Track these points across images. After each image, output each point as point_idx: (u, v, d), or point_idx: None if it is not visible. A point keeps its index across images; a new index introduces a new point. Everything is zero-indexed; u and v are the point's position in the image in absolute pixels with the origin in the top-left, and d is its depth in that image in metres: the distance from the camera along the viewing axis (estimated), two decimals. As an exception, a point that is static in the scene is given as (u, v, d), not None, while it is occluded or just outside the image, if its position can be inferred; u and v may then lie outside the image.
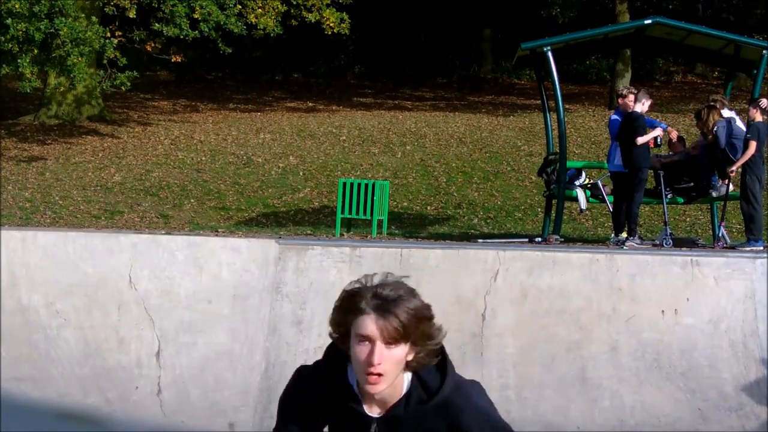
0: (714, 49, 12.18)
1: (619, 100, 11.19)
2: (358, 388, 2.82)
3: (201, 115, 25.65)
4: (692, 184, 11.50)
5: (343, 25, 21.97)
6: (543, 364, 8.47)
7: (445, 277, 8.80)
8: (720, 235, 11.37)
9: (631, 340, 8.56)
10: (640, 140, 10.65)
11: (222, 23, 19.30)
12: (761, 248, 10.42)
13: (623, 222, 11.13)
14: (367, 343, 2.71)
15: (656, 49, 16.50)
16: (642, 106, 10.92)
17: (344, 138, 21.70)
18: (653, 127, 10.98)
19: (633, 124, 10.78)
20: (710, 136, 10.96)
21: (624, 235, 11.07)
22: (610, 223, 12.29)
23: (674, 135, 11.41)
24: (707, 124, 11.00)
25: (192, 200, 16.76)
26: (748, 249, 10.31)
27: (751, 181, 10.62)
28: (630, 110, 10.95)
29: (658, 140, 10.94)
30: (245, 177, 18.35)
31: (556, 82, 11.26)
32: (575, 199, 11.74)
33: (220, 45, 20.34)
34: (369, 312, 2.72)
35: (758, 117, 10.72)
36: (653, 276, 8.79)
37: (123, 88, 18.66)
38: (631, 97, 11.05)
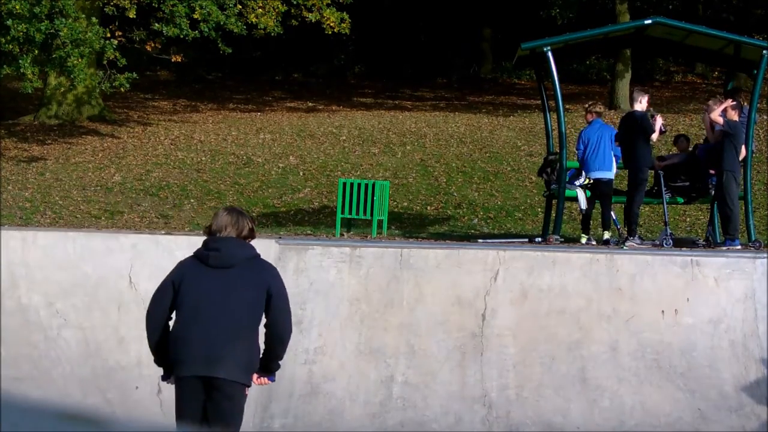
0: (714, 49, 12.17)
1: (592, 116, 11.32)
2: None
3: (201, 115, 25.64)
4: (688, 183, 11.53)
5: (344, 25, 21.95)
6: (543, 364, 8.47)
7: (445, 277, 8.80)
8: (708, 234, 11.45)
9: (631, 340, 8.56)
10: (655, 136, 10.79)
11: (222, 23, 19.29)
12: (738, 247, 10.44)
13: (606, 222, 11.28)
14: None
15: (656, 49, 16.48)
16: (641, 105, 10.98)
17: (344, 138, 21.69)
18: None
19: (643, 123, 10.80)
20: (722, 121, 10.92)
21: (584, 238, 11.20)
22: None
23: (660, 121, 11.30)
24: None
25: (192, 200, 16.76)
26: (725, 248, 10.35)
27: (727, 179, 10.64)
28: (632, 111, 11.09)
29: (663, 128, 11.06)
30: (245, 177, 18.35)
31: (556, 82, 11.25)
32: (575, 199, 11.74)
33: (220, 45, 20.33)
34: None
35: (735, 117, 10.77)
36: (653, 276, 8.80)
37: (122, 89, 18.64)
38: (599, 106, 11.74)
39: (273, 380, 5.62)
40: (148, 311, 5.31)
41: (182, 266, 5.35)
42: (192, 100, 28.47)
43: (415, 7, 32.21)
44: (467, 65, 33.28)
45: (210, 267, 5.23)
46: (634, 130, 10.86)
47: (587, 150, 11.11)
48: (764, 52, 10.90)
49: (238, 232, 5.37)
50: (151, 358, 5.52)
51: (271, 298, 5.25)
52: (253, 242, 5.40)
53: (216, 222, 5.41)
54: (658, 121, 10.93)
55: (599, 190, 11.23)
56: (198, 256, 5.33)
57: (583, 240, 11.42)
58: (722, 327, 8.62)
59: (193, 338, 5.12)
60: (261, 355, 5.32)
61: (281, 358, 5.43)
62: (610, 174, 11.16)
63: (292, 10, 21.96)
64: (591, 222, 11.77)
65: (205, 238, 5.41)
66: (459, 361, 8.46)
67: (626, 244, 10.64)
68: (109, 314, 8.58)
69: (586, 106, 11.73)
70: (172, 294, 5.22)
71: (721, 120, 10.70)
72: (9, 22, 15.80)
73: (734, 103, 10.86)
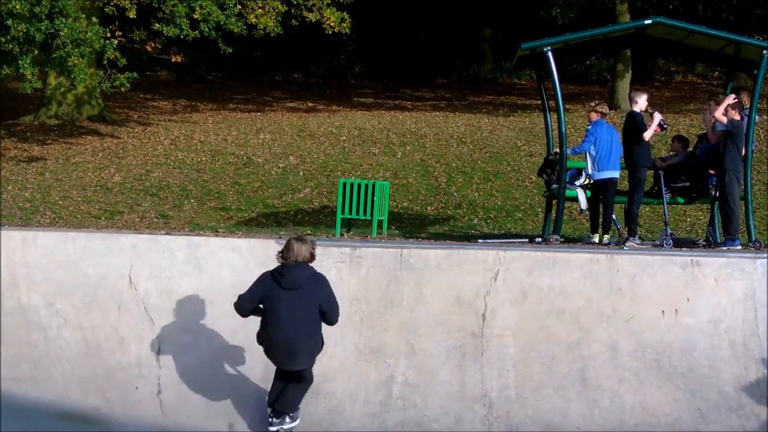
0: (714, 49, 12.16)
1: (597, 115, 11.25)
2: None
3: (201, 115, 25.64)
4: (688, 184, 11.54)
5: (344, 25, 21.94)
6: (543, 364, 8.47)
7: (445, 277, 8.80)
8: (708, 234, 11.45)
9: (631, 340, 8.56)
10: (647, 134, 10.77)
11: (222, 23, 19.27)
12: (738, 247, 10.44)
13: (607, 223, 11.22)
14: None
15: (656, 49, 16.47)
16: (638, 105, 11.00)
17: (344, 138, 21.70)
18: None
19: (634, 122, 10.86)
20: (725, 119, 10.82)
21: (596, 237, 11.12)
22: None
23: (658, 117, 11.22)
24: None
25: (192, 200, 16.75)
26: (725, 248, 10.34)
27: (729, 179, 10.64)
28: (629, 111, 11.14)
29: (663, 124, 10.99)
30: (245, 177, 18.35)
31: (556, 82, 11.24)
32: (575, 199, 11.74)
33: (220, 45, 20.32)
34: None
35: (736, 116, 10.77)
36: (653, 276, 8.79)
37: (123, 89, 18.64)
38: (605, 107, 11.47)
39: None
40: (237, 308, 7.66)
41: (263, 283, 7.62)
42: (192, 100, 28.48)
43: (415, 7, 32.21)
44: (467, 65, 33.29)
45: (283, 288, 7.50)
46: (631, 131, 10.92)
47: (599, 151, 11.04)
48: (764, 52, 10.88)
49: (302, 258, 7.58)
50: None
51: (323, 305, 7.54)
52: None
53: (285, 251, 7.62)
54: (656, 118, 10.91)
55: (606, 190, 11.15)
56: (274, 277, 7.57)
57: (596, 239, 11.33)
58: (722, 327, 8.62)
59: (277, 343, 7.54)
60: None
61: (333, 324, 7.75)
62: (617, 174, 11.16)
63: (292, 10, 21.95)
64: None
65: (279, 263, 7.65)
66: (459, 361, 8.46)
67: (626, 244, 10.64)
68: (109, 314, 8.58)
69: (593, 104, 11.60)
70: (257, 302, 7.62)
71: (725, 119, 10.70)
72: (9, 22, 15.79)
73: (735, 101, 10.84)
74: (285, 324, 7.46)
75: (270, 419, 7.79)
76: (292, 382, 7.72)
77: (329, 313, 7.60)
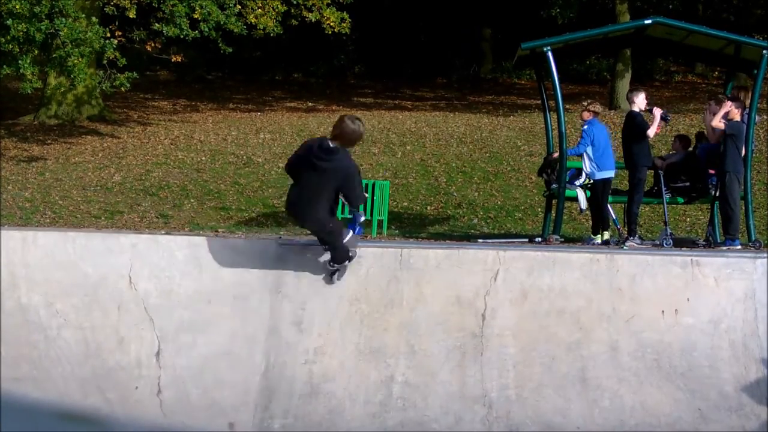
0: (714, 49, 12.17)
1: (590, 114, 11.22)
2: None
3: (201, 115, 25.64)
4: (688, 183, 11.54)
5: (344, 25, 21.94)
6: (543, 364, 8.47)
7: (445, 277, 8.80)
8: (708, 234, 11.45)
9: (631, 340, 8.56)
10: (651, 131, 10.81)
11: (222, 23, 19.28)
12: (738, 247, 10.44)
13: (605, 221, 11.21)
14: None
15: (656, 49, 16.47)
16: (636, 105, 11.01)
17: (344, 138, 21.67)
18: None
19: (635, 122, 10.87)
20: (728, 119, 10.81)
21: (599, 238, 11.10)
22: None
23: (658, 112, 11.22)
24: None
25: (192, 200, 16.75)
26: (725, 248, 10.35)
27: (729, 181, 10.65)
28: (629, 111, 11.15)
29: (666, 116, 11.01)
30: (245, 177, 18.35)
31: (556, 82, 11.25)
32: (575, 199, 11.74)
33: (220, 45, 20.31)
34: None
35: (737, 116, 10.76)
36: (653, 276, 8.79)
37: (122, 89, 18.64)
38: (598, 106, 11.48)
39: (353, 230, 8.63)
40: (287, 167, 8.75)
41: (303, 151, 8.39)
42: (192, 100, 28.48)
43: (415, 7, 32.21)
44: (467, 65, 33.29)
45: (309, 167, 8.20)
46: (632, 131, 10.93)
47: (597, 150, 11.03)
48: (764, 52, 10.88)
49: (347, 138, 8.25)
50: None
51: (341, 187, 8.21)
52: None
53: (335, 127, 8.24)
54: (657, 114, 10.90)
55: (604, 190, 11.15)
56: (309, 153, 8.23)
57: (598, 239, 11.31)
58: (722, 327, 8.61)
59: (286, 204, 8.73)
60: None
61: (355, 207, 8.53)
62: (614, 172, 11.19)
63: (292, 10, 21.94)
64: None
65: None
66: (459, 361, 8.46)
67: (626, 244, 10.64)
68: (109, 314, 8.58)
69: (585, 103, 11.60)
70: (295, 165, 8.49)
71: (722, 125, 10.73)
72: (9, 22, 15.79)
73: (731, 108, 10.84)
74: (296, 193, 8.41)
75: (330, 263, 8.66)
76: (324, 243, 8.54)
77: (349, 197, 8.33)
